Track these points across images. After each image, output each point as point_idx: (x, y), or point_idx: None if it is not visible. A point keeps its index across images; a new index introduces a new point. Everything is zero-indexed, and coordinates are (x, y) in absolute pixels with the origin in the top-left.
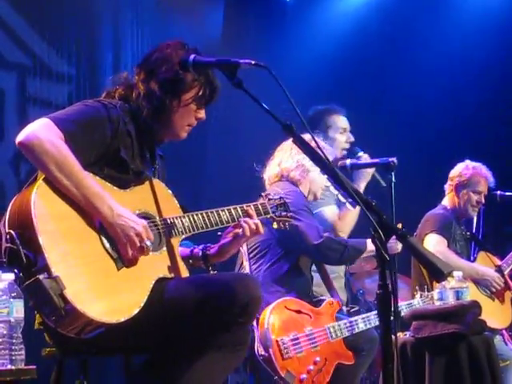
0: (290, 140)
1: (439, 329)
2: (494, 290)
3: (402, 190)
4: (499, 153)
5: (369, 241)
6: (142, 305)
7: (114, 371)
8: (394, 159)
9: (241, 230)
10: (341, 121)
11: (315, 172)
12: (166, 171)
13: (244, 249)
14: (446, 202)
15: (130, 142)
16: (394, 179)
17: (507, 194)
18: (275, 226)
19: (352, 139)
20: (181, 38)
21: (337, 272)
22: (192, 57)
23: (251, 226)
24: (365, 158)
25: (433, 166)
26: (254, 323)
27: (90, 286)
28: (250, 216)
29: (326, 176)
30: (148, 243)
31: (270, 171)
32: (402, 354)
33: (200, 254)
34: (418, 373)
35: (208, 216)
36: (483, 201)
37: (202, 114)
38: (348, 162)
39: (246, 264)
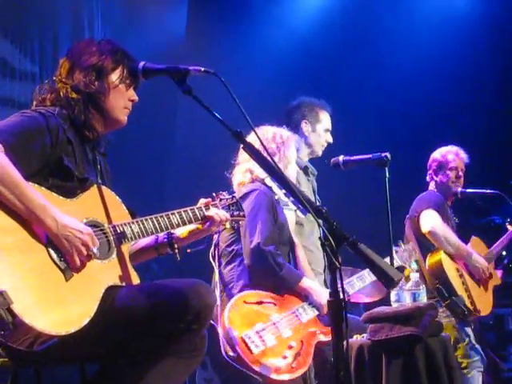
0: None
1: (396, 331)
2: (480, 277)
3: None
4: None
5: (304, 279)
6: (92, 315)
7: (68, 380)
8: (387, 154)
9: (210, 222)
10: (328, 120)
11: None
12: (109, 167)
13: (214, 252)
14: (431, 189)
15: (72, 148)
16: (387, 174)
17: (468, 190)
18: (228, 225)
19: (331, 141)
20: (145, 37)
21: (315, 269)
22: (141, 64)
23: (221, 217)
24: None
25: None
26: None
27: (39, 298)
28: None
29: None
30: (94, 250)
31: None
32: (359, 357)
33: (166, 240)
34: (376, 376)
35: (158, 220)
36: (461, 175)
37: (133, 94)
38: (341, 158)
39: (215, 267)
